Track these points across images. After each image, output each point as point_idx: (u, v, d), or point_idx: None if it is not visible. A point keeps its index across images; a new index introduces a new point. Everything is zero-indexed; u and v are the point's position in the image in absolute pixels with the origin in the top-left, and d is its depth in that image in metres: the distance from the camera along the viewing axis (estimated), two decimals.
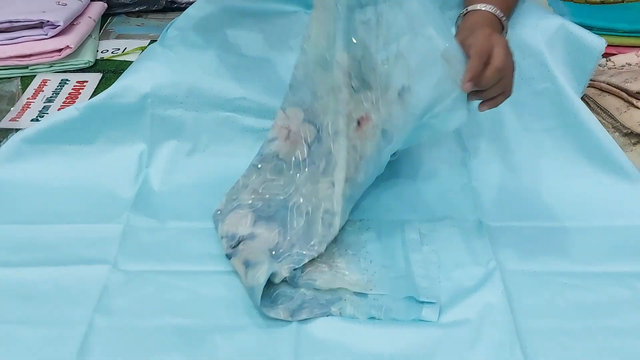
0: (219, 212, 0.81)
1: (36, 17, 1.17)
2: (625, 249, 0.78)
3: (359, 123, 0.76)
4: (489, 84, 0.68)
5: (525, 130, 0.90)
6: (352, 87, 0.75)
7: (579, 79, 0.90)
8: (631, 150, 0.94)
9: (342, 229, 0.78)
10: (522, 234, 0.80)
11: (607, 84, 1.00)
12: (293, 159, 0.82)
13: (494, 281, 0.72)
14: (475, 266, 0.75)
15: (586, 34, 0.88)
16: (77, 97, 1.08)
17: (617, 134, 0.96)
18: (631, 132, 0.95)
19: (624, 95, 0.98)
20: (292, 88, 0.80)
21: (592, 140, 0.87)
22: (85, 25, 1.24)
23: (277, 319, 0.69)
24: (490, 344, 0.66)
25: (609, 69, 1.07)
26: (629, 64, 1.07)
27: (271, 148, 0.83)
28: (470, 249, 0.78)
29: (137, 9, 1.40)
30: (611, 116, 0.98)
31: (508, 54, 0.69)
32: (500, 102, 0.72)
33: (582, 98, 0.91)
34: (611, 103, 0.99)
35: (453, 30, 0.79)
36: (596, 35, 0.89)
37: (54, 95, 1.09)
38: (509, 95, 0.72)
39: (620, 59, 1.09)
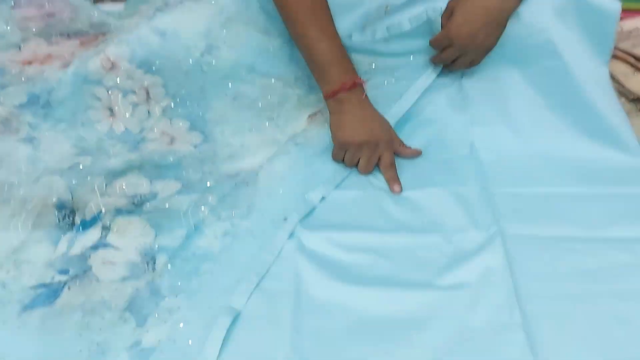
0: None
1: None
2: (627, 216, 0.77)
3: None
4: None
5: (529, 106, 0.88)
6: None
7: (602, 45, 0.88)
8: (637, 116, 0.92)
9: None
10: (524, 200, 0.79)
11: (615, 48, 0.98)
12: None
13: (495, 245, 0.72)
14: (476, 231, 0.75)
15: None
16: None
17: (624, 99, 0.95)
18: (638, 98, 0.94)
19: (632, 60, 0.97)
20: None
21: (596, 119, 0.86)
22: None
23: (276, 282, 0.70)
24: (489, 306, 0.66)
25: (617, 33, 1.05)
26: (638, 29, 1.05)
27: None
28: (472, 214, 0.77)
29: None
30: (618, 82, 0.96)
31: (462, 22, 0.80)
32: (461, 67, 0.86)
33: None
34: (618, 68, 0.97)
35: None
36: None
37: None
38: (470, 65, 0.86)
39: (628, 24, 1.06)
